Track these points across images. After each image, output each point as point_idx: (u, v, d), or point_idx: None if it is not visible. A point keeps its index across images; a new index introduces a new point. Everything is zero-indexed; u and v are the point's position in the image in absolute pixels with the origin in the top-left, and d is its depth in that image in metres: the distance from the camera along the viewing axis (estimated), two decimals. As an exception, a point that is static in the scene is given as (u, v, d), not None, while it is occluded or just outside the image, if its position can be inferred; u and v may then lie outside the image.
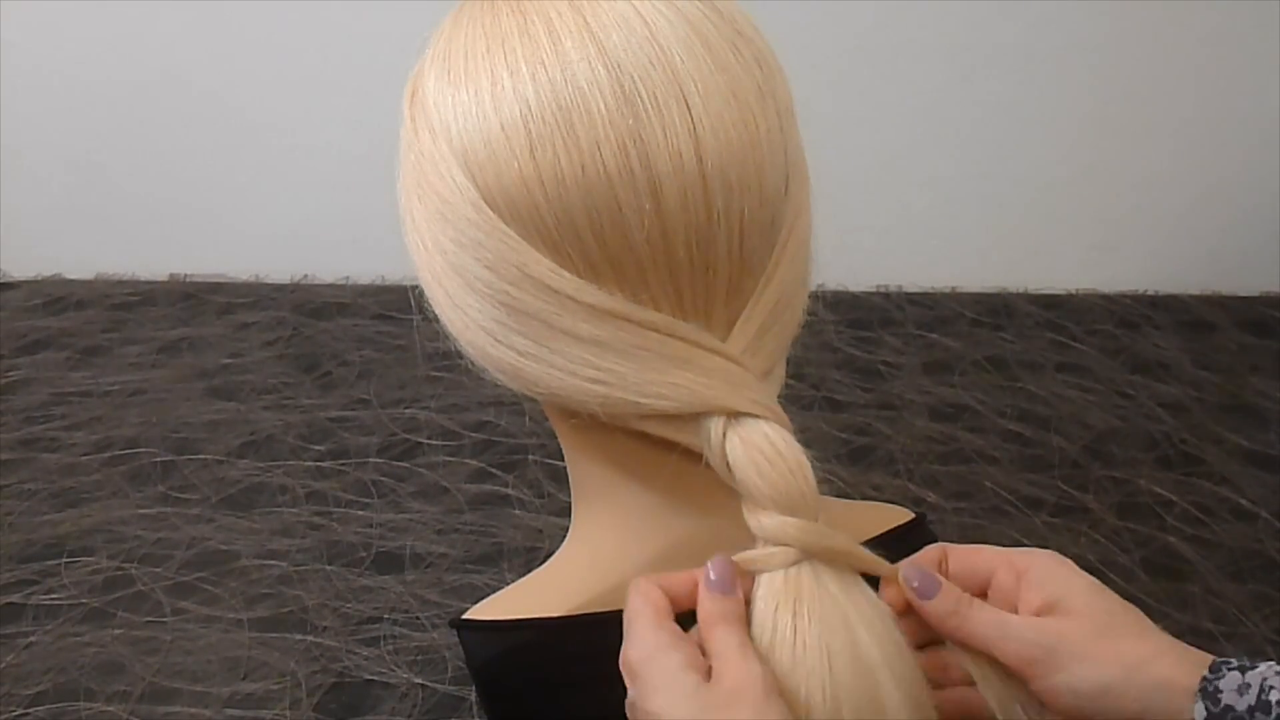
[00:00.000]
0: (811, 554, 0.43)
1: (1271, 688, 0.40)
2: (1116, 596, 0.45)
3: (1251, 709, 0.39)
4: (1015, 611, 0.45)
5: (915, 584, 0.45)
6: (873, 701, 0.42)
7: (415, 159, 0.46)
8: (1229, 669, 0.41)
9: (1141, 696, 0.41)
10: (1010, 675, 0.45)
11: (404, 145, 0.48)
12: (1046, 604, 0.44)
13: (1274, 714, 0.39)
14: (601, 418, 0.45)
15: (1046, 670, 0.43)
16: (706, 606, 0.43)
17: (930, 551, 0.48)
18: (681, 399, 0.44)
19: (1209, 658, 0.42)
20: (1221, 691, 0.40)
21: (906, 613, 0.46)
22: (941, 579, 0.46)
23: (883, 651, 0.43)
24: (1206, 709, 0.40)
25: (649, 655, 0.42)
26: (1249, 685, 0.40)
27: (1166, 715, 0.41)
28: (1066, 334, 1.69)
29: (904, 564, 0.46)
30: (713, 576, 0.43)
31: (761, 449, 0.43)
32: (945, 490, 1.37)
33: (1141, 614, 0.45)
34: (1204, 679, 0.41)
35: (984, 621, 0.44)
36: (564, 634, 0.50)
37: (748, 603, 0.44)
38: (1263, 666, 0.41)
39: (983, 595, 0.47)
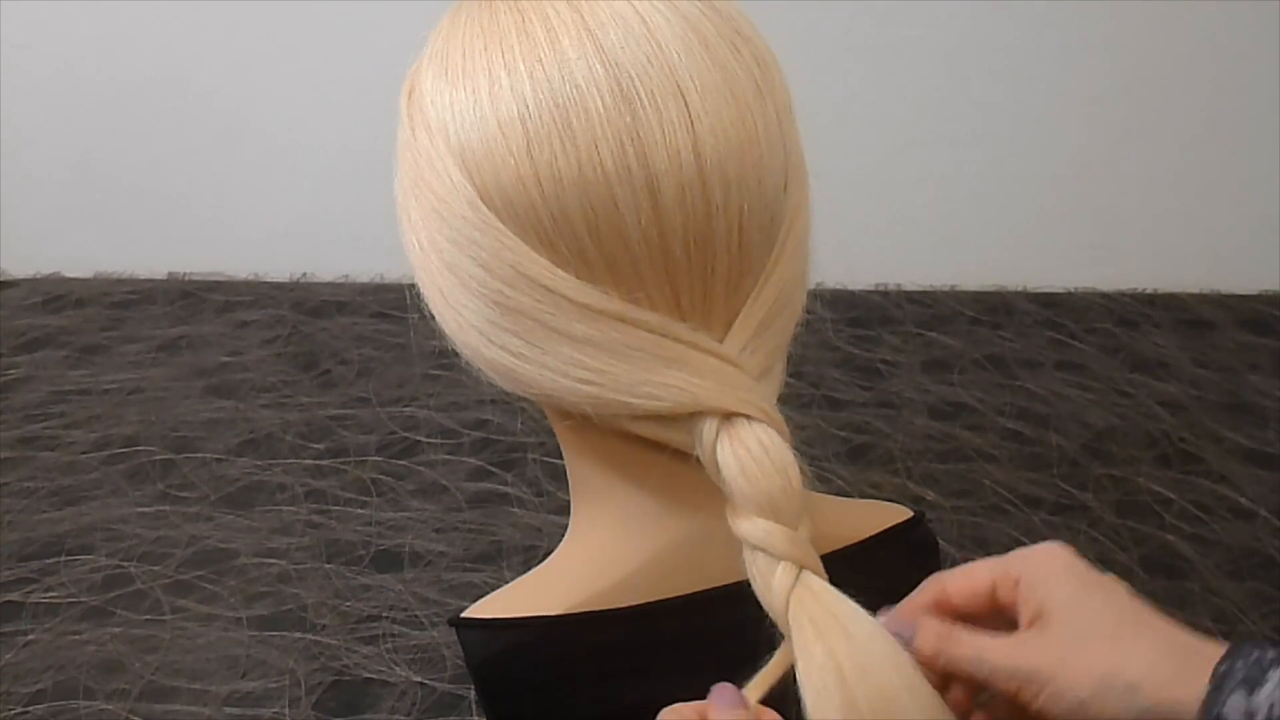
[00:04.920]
0: (801, 565, 0.43)
1: None
2: (1106, 591, 0.43)
3: None
4: (1017, 626, 0.44)
5: (891, 633, 0.44)
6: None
7: (412, 157, 0.46)
8: (1232, 688, 0.39)
9: (1123, 705, 0.40)
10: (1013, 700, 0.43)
11: (401, 144, 0.47)
12: (1034, 614, 0.43)
13: None
14: (594, 419, 0.45)
15: (1031, 695, 0.42)
16: None
17: (927, 589, 0.46)
18: (674, 399, 0.43)
19: (1211, 656, 0.40)
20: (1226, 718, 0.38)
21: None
22: (917, 622, 0.44)
23: (899, 669, 0.42)
24: None
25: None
26: (1253, 714, 0.38)
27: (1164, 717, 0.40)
28: (1065, 332, 1.69)
29: (880, 616, 0.45)
30: None
31: (750, 450, 0.43)
32: (944, 488, 1.37)
33: (1133, 606, 0.43)
34: (1208, 699, 0.39)
35: (965, 658, 0.43)
36: (562, 632, 0.50)
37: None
38: (1270, 685, 0.38)
39: (991, 615, 0.45)
